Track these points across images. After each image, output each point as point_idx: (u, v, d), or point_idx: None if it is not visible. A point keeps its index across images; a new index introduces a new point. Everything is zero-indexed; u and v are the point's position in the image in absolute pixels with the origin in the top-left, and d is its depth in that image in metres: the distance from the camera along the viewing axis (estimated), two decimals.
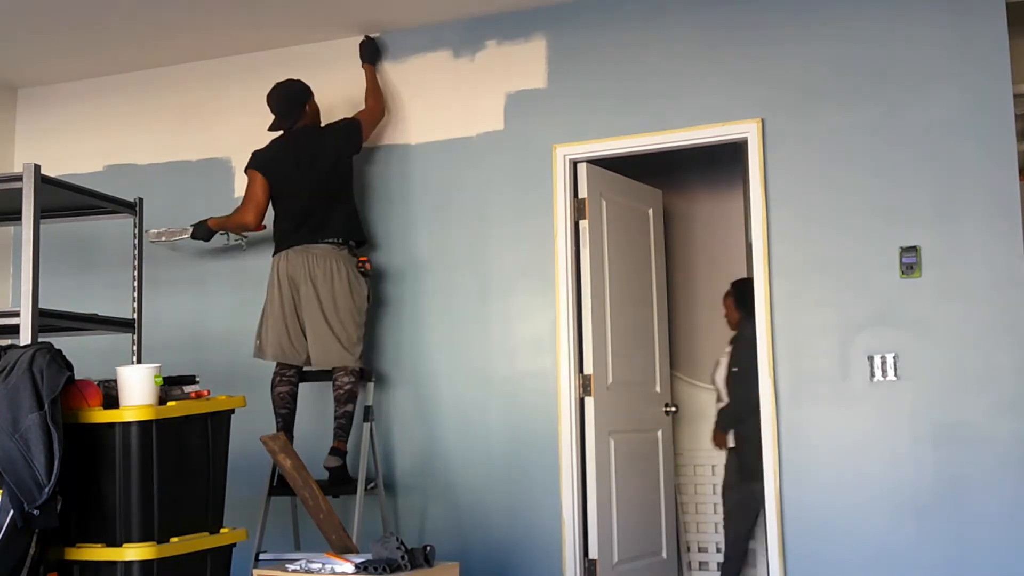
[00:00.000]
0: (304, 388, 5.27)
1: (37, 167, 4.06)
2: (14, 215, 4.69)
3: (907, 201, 4.41)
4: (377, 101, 5.15)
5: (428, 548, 4.08)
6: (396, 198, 5.25)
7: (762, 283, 4.58)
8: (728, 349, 5.45)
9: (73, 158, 5.87)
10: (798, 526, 4.43)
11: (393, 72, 5.32)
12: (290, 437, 4.69)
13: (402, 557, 3.96)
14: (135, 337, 4.57)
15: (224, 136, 5.62)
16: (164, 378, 3.87)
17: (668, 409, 5.28)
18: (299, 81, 5.09)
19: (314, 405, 5.26)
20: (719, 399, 5.49)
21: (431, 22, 5.23)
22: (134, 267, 4.65)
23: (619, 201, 5.19)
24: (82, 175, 5.81)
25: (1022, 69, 4.64)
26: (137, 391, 3.80)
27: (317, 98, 5.13)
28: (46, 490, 3.48)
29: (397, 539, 4.00)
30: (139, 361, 4.53)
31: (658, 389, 5.24)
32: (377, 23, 5.25)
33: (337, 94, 5.32)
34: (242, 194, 5.58)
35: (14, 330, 4.09)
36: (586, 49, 4.97)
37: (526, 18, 5.08)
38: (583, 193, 4.96)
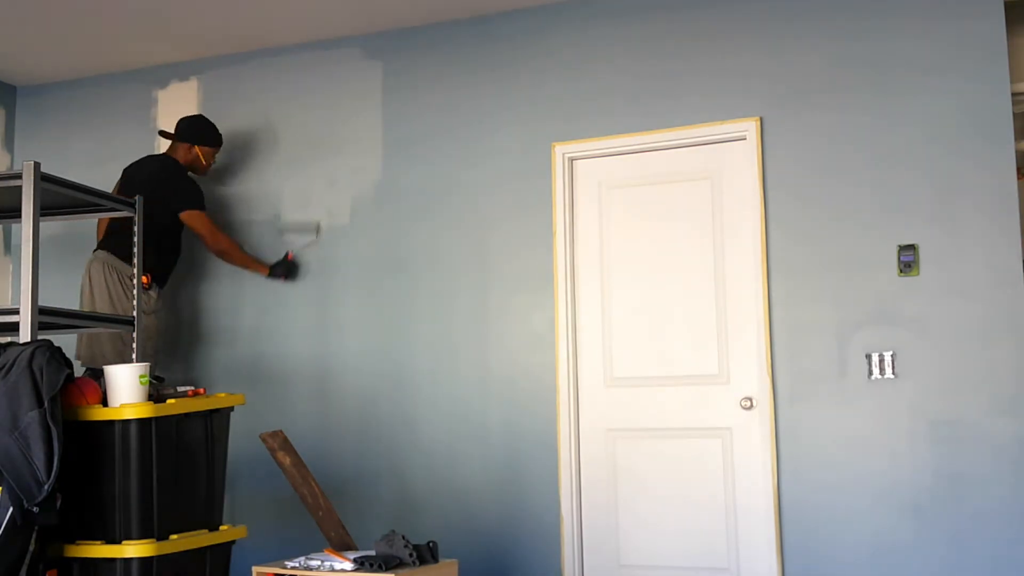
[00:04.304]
0: (306, 387, 5.29)
1: (37, 165, 4.06)
2: (14, 213, 4.70)
3: (905, 199, 4.42)
4: (215, 242, 5.24)
5: (432, 544, 4.10)
6: (393, 194, 5.26)
7: (760, 281, 4.58)
8: None
9: (72, 156, 5.88)
10: (796, 524, 4.44)
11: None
12: None
13: (410, 555, 3.98)
14: (135, 335, 4.57)
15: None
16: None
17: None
18: (209, 126, 5.30)
19: (315, 404, 5.27)
20: None
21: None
22: (133, 264, 4.66)
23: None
24: (81, 173, 5.82)
25: (1020, 67, 4.65)
26: (124, 390, 3.82)
27: None
28: (46, 487, 3.49)
29: (403, 537, 4.02)
30: (139, 359, 4.54)
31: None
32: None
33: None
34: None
35: (14, 327, 4.10)
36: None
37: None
38: (581, 189, 4.97)
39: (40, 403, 3.57)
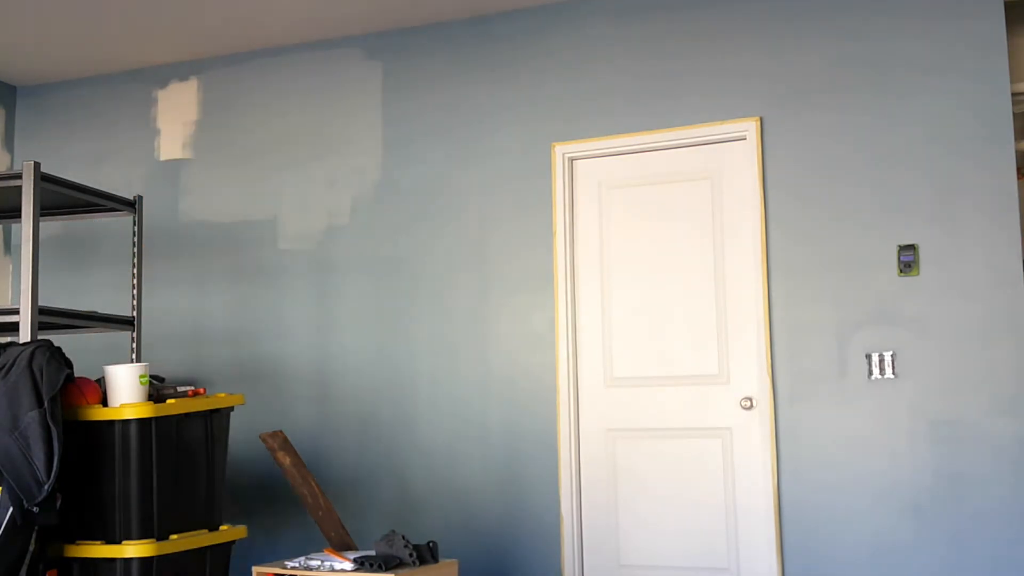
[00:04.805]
0: (305, 387, 5.29)
1: (37, 165, 4.07)
2: (14, 213, 4.71)
3: (905, 199, 4.42)
4: None
5: (432, 544, 4.11)
6: (393, 195, 5.27)
7: (760, 281, 4.59)
8: None
9: (72, 156, 5.89)
10: (796, 524, 4.44)
11: None
12: None
13: (410, 555, 3.98)
14: (134, 334, 4.58)
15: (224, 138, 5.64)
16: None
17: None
18: None
19: (315, 404, 5.28)
20: None
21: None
22: (133, 264, 4.66)
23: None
24: (81, 173, 5.82)
25: (1020, 67, 4.66)
26: (124, 390, 3.82)
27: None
28: (46, 487, 3.49)
29: (403, 537, 4.02)
30: (138, 358, 4.54)
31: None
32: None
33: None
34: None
35: (14, 327, 4.10)
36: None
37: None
38: (581, 189, 4.97)
39: (40, 403, 3.57)
